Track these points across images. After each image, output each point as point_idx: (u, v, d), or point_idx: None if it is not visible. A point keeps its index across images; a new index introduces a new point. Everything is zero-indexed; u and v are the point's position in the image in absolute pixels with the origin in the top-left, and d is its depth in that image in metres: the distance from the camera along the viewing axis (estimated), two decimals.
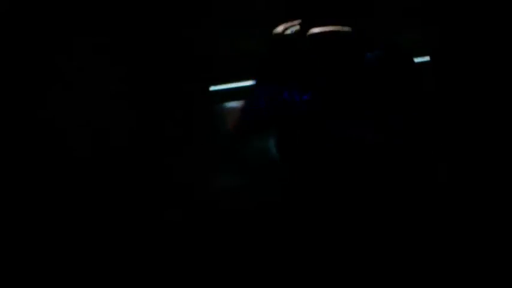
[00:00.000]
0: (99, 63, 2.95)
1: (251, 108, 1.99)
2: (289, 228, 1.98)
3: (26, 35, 2.83)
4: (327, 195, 1.87)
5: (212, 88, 3.16)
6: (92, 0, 2.91)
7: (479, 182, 2.55)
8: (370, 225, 1.85)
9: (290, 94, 1.89)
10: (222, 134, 3.15)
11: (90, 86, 2.92)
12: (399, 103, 1.89)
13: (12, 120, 2.78)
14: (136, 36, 3.05)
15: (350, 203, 1.86)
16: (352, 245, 1.86)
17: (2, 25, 2.78)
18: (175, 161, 3.01)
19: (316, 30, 1.91)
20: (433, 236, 2.02)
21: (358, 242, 1.85)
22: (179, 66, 3.10)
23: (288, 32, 1.98)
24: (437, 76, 2.79)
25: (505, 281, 2.33)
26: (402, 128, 1.88)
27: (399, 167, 1.90)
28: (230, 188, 3.05)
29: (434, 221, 2.03)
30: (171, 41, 3.09)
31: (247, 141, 3.02)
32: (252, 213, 2.86)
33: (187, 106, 3.08)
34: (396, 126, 1.87)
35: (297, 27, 1.96)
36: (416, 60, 2.89)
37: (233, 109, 2.84)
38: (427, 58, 2.85)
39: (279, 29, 2.00)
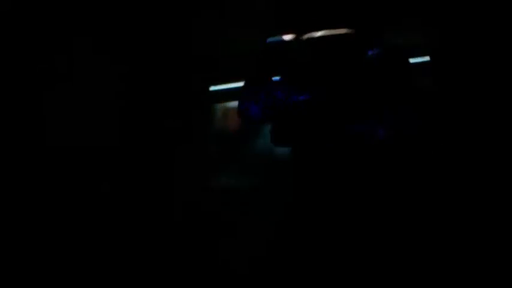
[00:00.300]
0: (99, 63, 2.95)
1: (246, 109, 1.99)
2: (289, 228, 1.98)
3: (26, 34, 2.83)
4: (332, 194, 1.87)
5: (212, 88, 3.16)
6: (92, 0, 2.91)
7: (479, 181, 2.55)
8: (376, 223, 1.85)
9: (285, 94, 1.89)
10: (222, 134, 3.16)
11: (90, 86, 2.92)
12: (399, 98, 1.90)
13: (11, 119, 2.78)
14: (136, 36, 3.05)
15: (357, 202, 1.85)
16: (356, 245, 1.85)
17: (3, 25, 2.78)
18: (175, 160, 3.01)
19: (314, 34, 1.92)
20: (436, 235, 2.02)
21: (363, 241, 1.85)
22: (179, 66, 3.10)
23: (284, 38, 1.99)
24: (437, 76, 2.79)
25: (505, 281, 2.33)
26: (412, 120, 1.88)
27: (408, 162, 1.90)
28: (230, 188, 3.05)
29: (434, 221, 2.03)
30: (171, 41, 3.09)
31: (247, 141, 3.02)
32: (252, 213, 2.87)
33: (187, 106, 3.08)
34: (406, 118, 1.87)
35: (293, 35, 1.97)
36: (417, 60, 2.91)
37: (233, 109, 2.84)
38: (427, 58, 2.85)
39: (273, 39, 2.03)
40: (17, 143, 2.76)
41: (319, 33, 1.92)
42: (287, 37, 1.99)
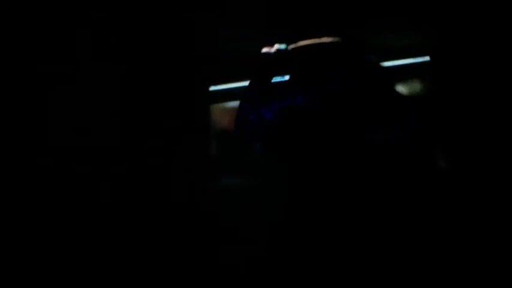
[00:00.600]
0: (99, 63, 2.95)
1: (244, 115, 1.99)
2: (289, 228, 1.98)
3: (26, 34, 2.83)
4: (331, 197, 1.88)
5: (212, 88, 3.16)
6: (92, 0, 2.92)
7: (479, 180, 2.55)
8: (376, 223, 1.86)
9: (281, 102, 1.89)
10: (222, 134, 3.16)
11: (90, 85, 2.93)
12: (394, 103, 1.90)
13: (11, 119, 2.79)
14: (136, 37, 3.05)
15: (357, 201, 1.86)
16: (356, 245, 1.86)
17: (2, 24, 2.78)
18: (175, 160, 3.01)
19: (303, 42, 1.93)
20: (437, 234, 2.02)
21: (363, 241, 1.86)
22: (179, 66, 3.11)
23: (277, 48, 2.01)
24: (437, 76, 2.79)
25: (505, 281, 2.33)
26: (413, 124, 1.89)
27: (407, 164, 1.90)
28: (230, 188, 3.05)
29: (434, 221, 2.03)
30: (171, 41, 3.09)
31: (246, 141, 3.03)
32: (251, 213, 2.87)
33: (187, 106, 3.09)
34: (406, 122, 1.88)
35: (284, 45, 1.99)
36: (417, 60, 2.91)
37: (233, 109, 2.84)
38: (427, 58, 2.86)
39: (266, 49, 2.03)
40: (17, 143, 2.76)
41: (310, 41, 1.93)
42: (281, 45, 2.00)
